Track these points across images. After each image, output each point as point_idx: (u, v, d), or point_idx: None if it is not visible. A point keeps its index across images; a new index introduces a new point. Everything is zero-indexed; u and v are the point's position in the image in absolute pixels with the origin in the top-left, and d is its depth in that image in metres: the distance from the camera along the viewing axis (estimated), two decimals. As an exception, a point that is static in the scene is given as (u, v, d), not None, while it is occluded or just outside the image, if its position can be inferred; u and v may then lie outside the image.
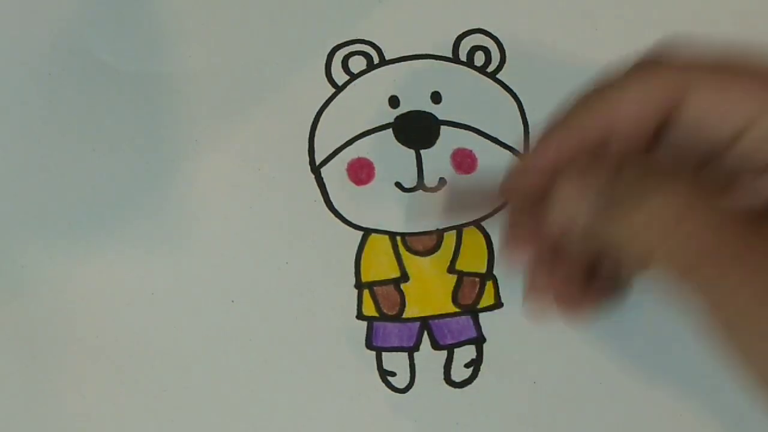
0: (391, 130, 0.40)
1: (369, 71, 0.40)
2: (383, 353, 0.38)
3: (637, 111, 0.30)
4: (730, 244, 0.28)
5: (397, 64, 0.40)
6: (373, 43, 0.40)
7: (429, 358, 0.38)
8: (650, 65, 0.30)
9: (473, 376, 0.38)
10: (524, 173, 0.33)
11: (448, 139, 0.39)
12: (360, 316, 0.39)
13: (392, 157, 0.39)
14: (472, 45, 0.40)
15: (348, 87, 0.40)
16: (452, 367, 0.38)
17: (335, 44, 0.40)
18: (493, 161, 0.39)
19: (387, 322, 0.39)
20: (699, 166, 0.31)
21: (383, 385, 0.38)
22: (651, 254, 0.29)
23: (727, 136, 0.30)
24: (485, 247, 0.39)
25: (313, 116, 0.40)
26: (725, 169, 0.30)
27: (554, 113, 0.32)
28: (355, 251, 0.39)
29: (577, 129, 0.31)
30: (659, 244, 0.29)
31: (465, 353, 0.38)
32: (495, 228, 0.39)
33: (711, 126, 0.30)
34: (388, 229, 0.39)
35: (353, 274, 0.39)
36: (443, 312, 0.39)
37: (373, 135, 0.40)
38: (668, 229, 0.28)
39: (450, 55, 0.40)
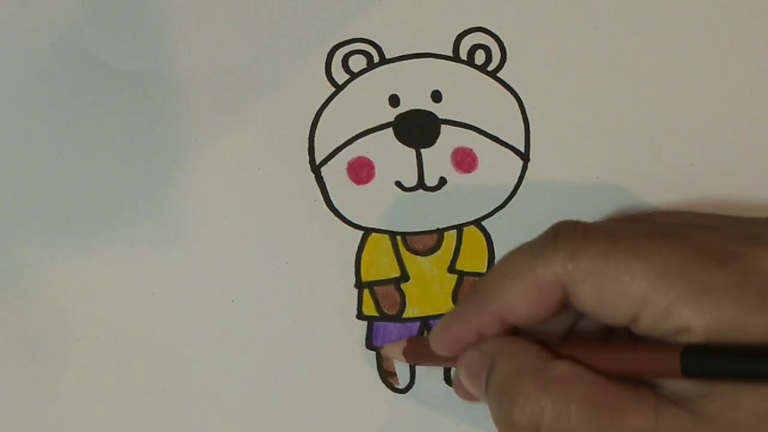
0: (391, 129, 0.39)
1: (369, 70, 0.40)
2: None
3: (525, 306, 0.31)
4: None
5: (397, 63, 0.40)
6: (374, 42, 0.40)
7: (429, 358, 0.38)
8: (537, 255, 0.31)
9: (473, 376, 0.38)
10: (434, 348, 0.35)
11: (449, 138, 0.39)
12: (360, 315, 0.39)
13: (392, 157, 0.39)
14: (472, 44, 0.40)
15: (348, 86, 0.40)
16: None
17: (335, 43, 0.40)
18: (493, 160, 0.39)
19: (387, 321, 0.39)
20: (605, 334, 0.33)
21: (383, 385, 0.38)
22: None
23: (623, 320, 0.30)
24: (485, 246, 0.39)
25: (313, 115, 0.40)
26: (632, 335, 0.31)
27: (465, 295, 0.35)
28: (355, 251, 0.39)
29: (473, 320, 0.32)
30: None
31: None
32: (495, 228, 0.39)
33: (604, 313, 0.30)
34: (389, 229, 0.39)
35: (353, 274, 0.39)
36: (443, 312, 0.38)
37: (373, 134, 0.39)
38: None
39: (450, 54, 0.40)
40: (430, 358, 0.35)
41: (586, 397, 0.29)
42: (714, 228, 0.31)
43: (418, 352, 0.36)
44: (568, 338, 0.34)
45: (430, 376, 0.38)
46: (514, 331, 0.33)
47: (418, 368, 0.38)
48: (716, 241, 0.30)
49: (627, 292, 0.29)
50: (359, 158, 0.39)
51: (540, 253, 0.31)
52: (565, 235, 0.31)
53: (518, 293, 0.31)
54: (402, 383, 0.38)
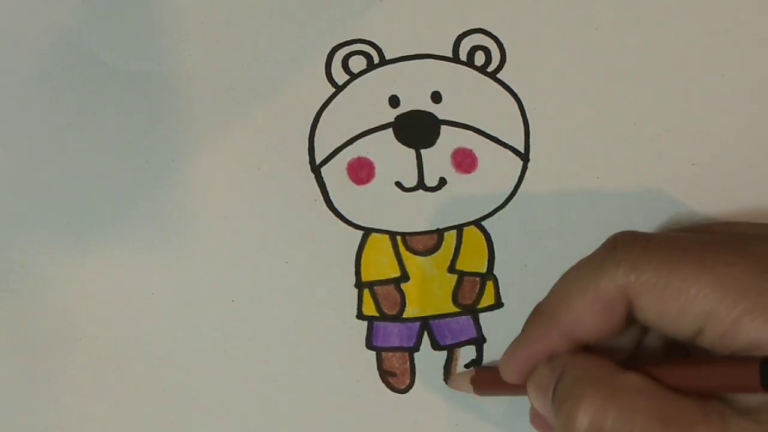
0: (391, 129, 0.40)
1: (369, 71, 0.40)
2: (383, 353, 0.38)
3: (591, 321, 0.31)
4: None
5: (397, 63, 0.40)
6: (374, 43, 0.40)
7: (429, 358, 0.38)
8: (598, 269, 0.31)
9: (473, 376, 0.38)
10: (506, 375, 0.35)
11: (449, 139, 0.39)
12: (360, 315, 0.39)
13: (392, 157, 0.39)
14: (472, 45, 0.40)
15: (348, 86, 0.40)
16: (452, 367, 0.38)
17: (335, 44, 0.40)
18: (493, 161, 0.39)
19: (387, 321, 0.39)
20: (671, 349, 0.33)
21: (383, 385, 0.38)
22: None
23: (687, 334, 0.30)
24: (485, 246, 0.39)
25: (313, 116, 0.40)
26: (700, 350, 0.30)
27: (531, 315, 0.34)
28: (355, 251, 0.39)
29: (542, 342, 0.32)
30: None
31: (465, 353, 0.38)
32: (496, 228, 0.39)
33: (667, 326, 0.30)
34: (389, 229, 0.39)
35: (353, 274, 0.39)
36: (443, 312, 0.39)
37: (373, 134, 0.40)
38: None
39: (450, 55, 0.40)
40: (500, 388, 0.35)
41: (652, 408, 0.29)
42: None
43: (487, 381, 0.36)
44: (636, 356, 0.33)
45: (430, 376, 0.38)
46: (584, 349, 0.32)
47: (419, 369, 0.38)
48: None
49: (692, 305, 0.29)
50: (359, 158, 0.39)
51: (600, 267, 0.31)
52: (625, 246, 0.31)
53: (583, 309, 0.31)
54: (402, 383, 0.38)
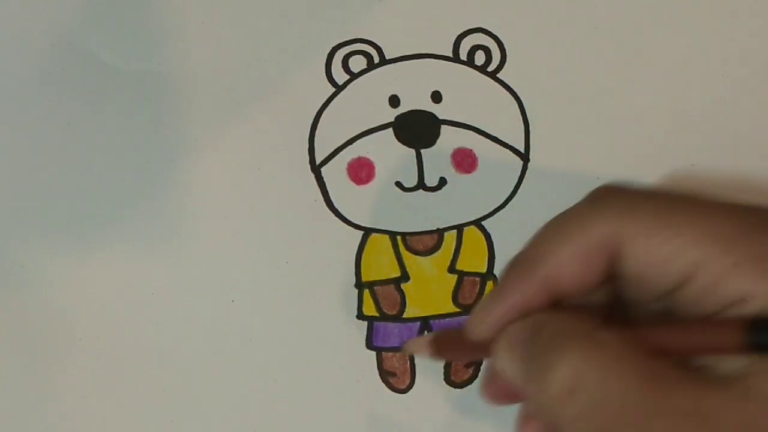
0: (391, 129, 0.40)
1: (369, 71, 0.40)
2: (383, 353, 0.38)
3: (573, 271, 0.30)
4: (630, 412, 0.27)
5: (397, 63, 0.40)
6: (374, 43, 0.40)
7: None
8: (584, 215, 0.30)
9: (473, 376, 0.38)
10: (475, 331, 0.32)
11: (449, 139, 0.39)
12: (360, 315, 0.39)
13: (392, 157, 0.39)
14: (472, 44, 0.40)
15: (348, 86, 0.40)
16: (452, 367, 0.38)
17: (335, 44, 0.40)
18: (493, 160, 0.39)
19: (387, 321, 0.39)
20: (653, 303, 0.31)
21: (383, 385, 0.38)
22: (559, 421, 0.28)
23: (671, 285, 0.29)
24: (485, 246, 0.39)
25: (314, 116, 0.40)
26: (681, 309, 0.29)
27: (507, 265, 0.32)
28: (355, 251, 0.39)
29: (516, 294, 0.31)
30: (561, 413, 0.28)
31: (465, 353, 0.38)
32: (495, 228, 0.39)
33: (653, 275, 0.29)
34: (389, 229, 0.39)
35: (353, 274, 0.39)
36: (443, 312, 0.39)
37: (373, 134, 0.40)
38: (565, 399, 0.27)
39: (450, 55, 0.40)
40: (461, 350, 0.34)
41: (631, 366, 0.27)
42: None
43: (448, 344, 0.35)
44: (610, 319, 0.32)
45: (430, 376, 0.38)
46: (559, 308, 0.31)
47: (419, 369, 0.38)
48: None
49: (682, 252, 0.28)
50: (359, 158, 0.39)
51: (587, 214, 0.30)
52: (613, 193, 0.30)
53: (566, 257, 0.30)
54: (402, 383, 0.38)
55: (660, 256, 0.28)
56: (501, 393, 0.34)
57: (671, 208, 0.28)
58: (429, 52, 0.40)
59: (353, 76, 0.40)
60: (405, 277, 0.39)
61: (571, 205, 0.38)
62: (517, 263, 0.31)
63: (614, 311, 0.32)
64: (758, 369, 0.27)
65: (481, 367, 0.38)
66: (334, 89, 0.40)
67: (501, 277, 0.32)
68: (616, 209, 0.29)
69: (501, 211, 0.39)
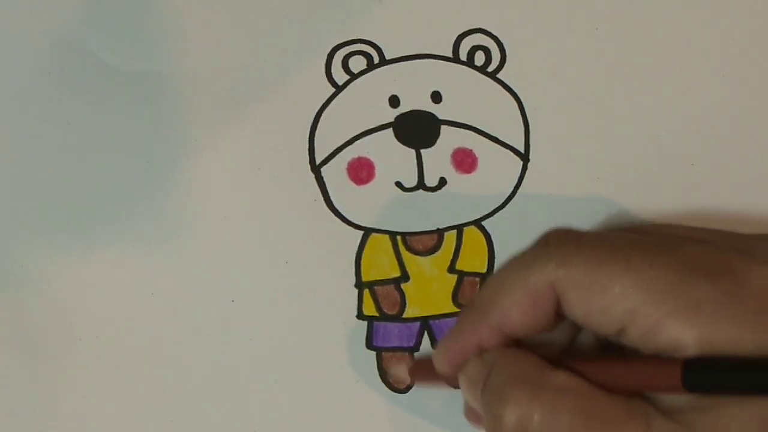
0: (391, 129, 0.40)
1: (369, 71, 0.40)
2: (383, 353, 0.38)
3: (521, 315, 0.31)
4: None
5: (397, 63, 0.40)
6: (374, 43, 0.40)
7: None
8: (528, 265, 0.31)
9: (473, 376, 0.38)
10: (438, 367, 0.35)
11: (449, 139, 0.39)
12: (360, 315, 0.39)
13: (392, 157, 0.39)
14: (472, 44, 0.40)
15: (348, 87, 0.40)
16: (452, 367, 0.38)
17: (335, 44, 0.40)
18: (493, 160, 0.39)
19: (387, 321, 0.39)
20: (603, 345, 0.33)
21: (383, 385, 0.38)
22: None
23: (612, 331, 0.30)
24: (485, 246, 0.39)
25: (313, 116, 0.40)
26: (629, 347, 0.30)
27: (461, 312, 0.35)
28: (355, 251, 0.39)
29: (472, 336, 0.33)
30: None
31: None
32: (495, 228, 0.39)
33: (593, 323, 0.30)
34: (389, 229, 0.39)
35: (353, 274, 0.39)
36: (443, 312, 0.39)
37: (373, 134, 0.40)
38: None
39: (450, 55, 0.40)
40: (436, 378, 0.35)
41: (577, 406, 0.29)
42: (706, 241, 0.31)
43: (423, 372, 0.37)
44: (568, 351, 0.34)
45: (430, 376, 0.38)
46: (515, 344, 0.33)
47: (418, 368, 0.38)
48: (708, 254, 0.30)
49: (616, 303, 0.29)
50: (359, 158, 0.39)
51: (532, 262, 0.31)
52: (557, 242, 0.32)
53: (513, 303, 0.31)
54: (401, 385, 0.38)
55: (595, 308, 0.29)
56: (478, 417, 0.35)
57: (604, 258, 0.30)
58: (429, 53, 0.40)
59: (353, 77, 0.40)
60: (405, 277, 0.39)
61: (570, 206, 0.38)
62: (470, 306, 0.33)
63: (573, 345, 0.34)
64: (699, 405, 0.28)
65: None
66: (334, 89, 0.40)
67: (458, 318, 0.34)
68: (557, 259, 0.30)
69: (501, 211, 0.39)
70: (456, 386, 0.34)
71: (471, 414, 0.36)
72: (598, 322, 0.30)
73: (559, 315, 0.31)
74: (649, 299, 0.28)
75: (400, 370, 0.38)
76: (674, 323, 0.28)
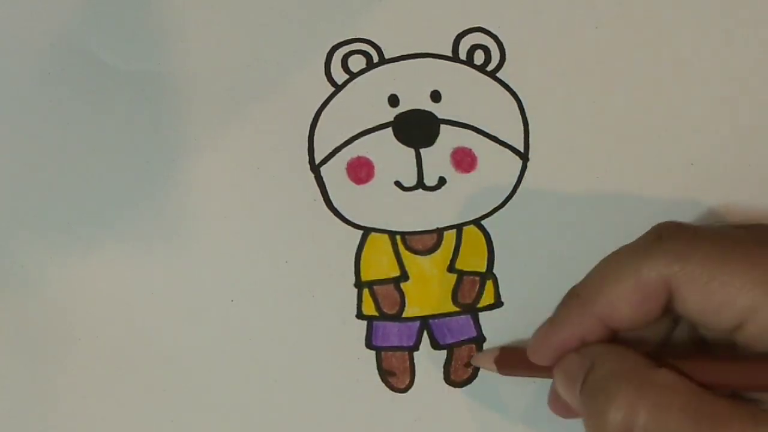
0: (390, 129, 0.39)
1: (368, 70, 0.40)
2: (383, 353, 0.38)
3: (628, 308, 0.31)
4: None
5: (396, 62, 0.40)
6: (373, 42, 0.40)
7: (429, 357, 0.38)
8: (641, 256, 0.31)
9: (473, 376, 0.38)
10: (535, 359, 0.34)
11: (448, 138, 0.39)
12: (360, 315, 0.39)
13: (392, 156, 0.39)
14: (471, 44, 0.40)
15: (347, 86, 0.40)
16: (452, 366, 0.38)
17: (335, 43, 0.40)
18: (493, 160, 0.39)
19: (387, 321, 0.39)
20: (707, 345, 0.33)
21: (383, 385, 0.38)
22: None
23: (727, 327, 0.30)
24: (485, 246, 0.39)
25: (313, 115, 0.40)
26: (740, 345, 0.30)
27: (564, 298, 0.33)
28: (355, 251, 0.39)
29: (573, 327, 0.32)
30: None
31: (465, 353, 0.38)
32: (495, 227, 0.39)
33: (708, 319, 0.30)
34: (388, 228, 0.39)
35: (353, 274, 0.39)
36: (443, 311, 0.39)
37: (372, 134, 0.40)
38: None
39: (450, 54, 0.40)
40: (525, 369, 0.35)
41: (684, 405, 0.28)
42: None
43: (512, 361, 0.36)
44: (664, 348, 0.33)
45: (430, 375, 0.38)
46: (614, 339, 0.32)
47: (418, 369, 0.38)
48: None
49: (736, 298, 0.29)
50: (359, 158, 0.39)
51: (645, 254, 0.31)
52: (671, 236, 0.31)
53: (622, 296, 0.31)
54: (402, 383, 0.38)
55: (713, 303, 0.29)
56: (566, 409, 0.34)
57: (724, 254, 0.29)
58: (428, 52, 0.40)
59: (352, 76, 0.40)
60: (404, 276, 0.39)
61: (570, 206, 0.38)
62: (575, 295, 0.32)
63: (667, 342, 0.33)
64: None
65: (480, 368, 0.38)
66: (333, 89, 0.40)
67: (559, 308, 0.33)
68: (672, 253, 0.30)
69: (500, 211, 0.39)
70: (545, 377, 0.34)
71: (557, 404, 0.35)
72: (715, 318, 0.29)
73: (665, 311, 0.31)
74: None
75: (486, 362, 0.37)
76: None
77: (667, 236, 0.31)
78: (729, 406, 0.29)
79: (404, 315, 0.39)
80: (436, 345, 0.38)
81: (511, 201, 0.39)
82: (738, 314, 0.29)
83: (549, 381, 0.37)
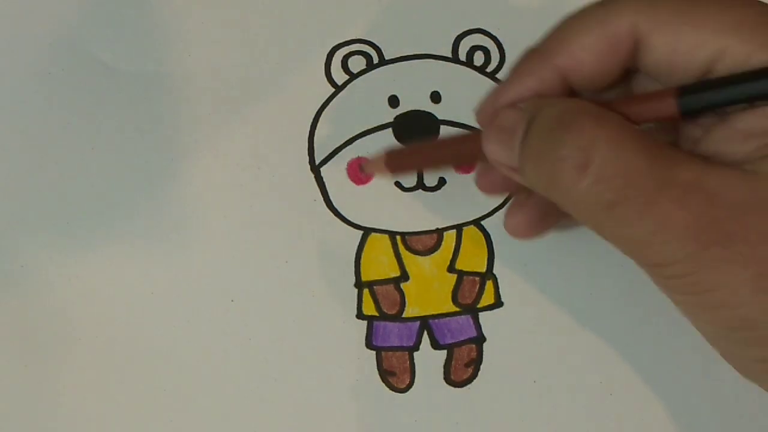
0: (390, 129, 0.40)
1: (369, 71, 0.40)
2: (383, 353, 0.38)
3: (592, 61, 0.29)
4: (639, 184, 0.27)
5: (396, 63, 0.40)
6: (373, 43, 0.40)
7: (429, 357, 0.38)
8: (608, 6, 0.29)
9: (473, 376, 0.38)
10: (481, 118, 0.32)
11: (448, 139, 0.39)
12: (360, 315, 0.39)
13: (392, 157, 0.39)
14: (471, 45, 0.40)
15: (348, 87, 0.40)
16: (452, 366, 0.38)
17: (335, 44, 0.40)
18: (492, 161, 0.39)
19: (387, 321, 0.39)
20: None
21: (383, 385, 0.38)
22: (563, 205, 0.29)
23: (693, 74, 0.28)
24: (485, 246, 0.39)
25: (313, 116, 0.40)
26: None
27: (521, 54, 0.31)
28: (355, 251, 0.39)
29: (531, 78, 0.30)
30: (571, 190, 0.28)
31: (465, 353, 0.38)
32: (495, 227, 0.39)
33: (676, 65, 0.29)
34: (388, 229, 0.39)
35: (353, 274, 0.39)
36: (443, 311, 0.39)
37: (372, 134, 0.40)
38: (576, 176, 0.27)
39: (449, 55, 0.40)
40: (416, 164, 0.35)
41: (640, 143, 0.27)
42: None
43: (401, 159, 0.35)
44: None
45: (430, 375, 0.38)
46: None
47: (418, 369, 0.38)
48: None
49: (707, 41, 0.28)
50: (359, 158, 0.39)
51: (613, 3, 0.29)
52: None
53: (587, 44, 0.29)
54: (402, 383, 0.38)
55: (683, 47, 0.28)
56: (494, 184, 0.34)
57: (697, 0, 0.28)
58: (428, 53, 0.40)
59: (353, 77, 0.40)
60: (404, 276, 0.39)
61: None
62: (534, 50, 0.30)
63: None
64: (757, 156, 0.27)
65: (481, 366, 0.38)
66: (333, 89, 0.40)
67: (515, 64, 0.31)
68: (643, 1, 0.28)
69: (500, 211, 0.39)
70: (437, 168, 0.33)
71: (483, 181, 0.34)
72: (683, 64, 0.28)
73: (625, 72, 0.30)
74: (742, 35, 0.27)
75: (377, 166, 0.36)
76: (765, 55, 0.27)
77: None
78: (681, 152, 0.28)
79: (404, 315, 0.39)
80: (436, 345, 0.38)
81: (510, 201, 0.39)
82: (708, 57, 0.28)
83: (549, 380, 0.38)
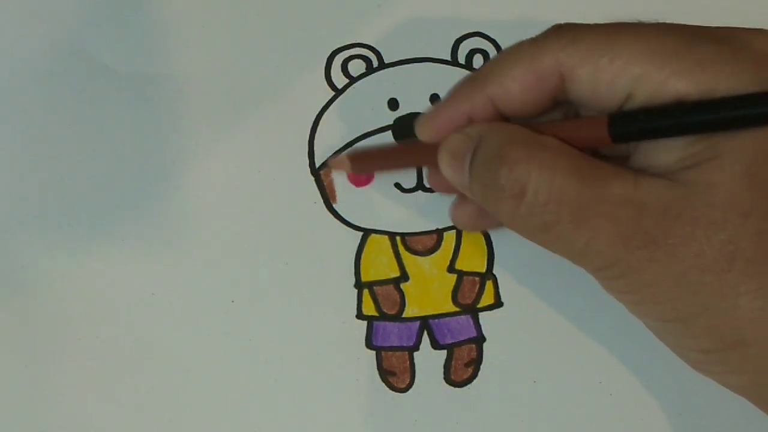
0: (390, 132, 0.40)
1: (368, 74, 0.41)
2: (383, 353, 0.38)
3: (521, 90, 0.32)
4: (571, 204, 0.29)
5: (396, 67, 0.40)
6: (373, 47, 0.41)
7: (429, 357, 0.38)
8: (538, 44, 0.32)
9: (473, 376, 0.38)
10: (421, 134, 0.35)
11: (447, 141, 0.40)
12: (360, 315, 0.39)
13: (392, 159, 0.40)
14: (470, 48, 0.40)
15: (348, 90, 0.40)
16: (452, 366, 0.38)
17: (335, 48, 0.41)
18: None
19: (387, 321, 0.39)
20: None
21: (383, 385, 0.38)
22: (507, 225, 0.32)
23: (617, 100, 0.30)
24: (485, 246, 0.39)
25: (313, 119, 0.40)
26: None
27: (461, 79, 0.34)
28: (355, 251, 0.39)
29: (466, 102, 0.33)
30: (510, 215, 0.31)
31: (465, 353, 0.38)
32: (495, 227, 0.39)
33: (600, 96, 0.31)
34: (388, 230, 0.39)
35: (353, 274, 0.39)
36: (443, 311, 0.39)
37: (372, 137, 0.40)
38: (513, 204, 0.30)
39: (449, 58, 0.40)
40: (376, 163, 0.36)
41: (571, 165, 0.30)
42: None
43: (365, 159, 0.37)
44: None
45: (430, 375, 0.38)
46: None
47: (418, 369, 0.38)
48: (713, 29, 0.31)
49: (625, 70, 0.30)
50: (359, 160, 0.40)
51: (542, 41, 0.31)
52: (568, 26, 0.32)
53: (516, 76, 0.31)
54: (402, 383, 0.38)
55: (606, 76, 0.30)
56: (444, 185, 0.36)
57: (614, 33, 0.31)
58: (427, 56, 0.40)
59: (352, 80, 0.40)
60: (404, 277, 0.39)
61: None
62: (470, 78, 0.33)
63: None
64: (686, 164, 0.29)
65: (481, 366, 0.38)
66: (333, 93, 0.40)
67: (454, 87, 0.33)
68: (566, 38, 0.31)
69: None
70: (398, 167, 0.35)
71: (434, 181, 0.37)
72: (606, 93, 0.30)
73: (555, 100, 0.32)
74: (657, 62, 0.29)
75: (341, 164, 0.37)
76: (679, 81, 0.29)
77: (565, 27, 0.32)
78: (612, 168, 0.30)
79: (404, 315, 0.39)
80: (436, 345, 0.39)
81: (510, 202, 0.39)
82: (627, 84, 0.30)
83: (549, 380, 0.38)
